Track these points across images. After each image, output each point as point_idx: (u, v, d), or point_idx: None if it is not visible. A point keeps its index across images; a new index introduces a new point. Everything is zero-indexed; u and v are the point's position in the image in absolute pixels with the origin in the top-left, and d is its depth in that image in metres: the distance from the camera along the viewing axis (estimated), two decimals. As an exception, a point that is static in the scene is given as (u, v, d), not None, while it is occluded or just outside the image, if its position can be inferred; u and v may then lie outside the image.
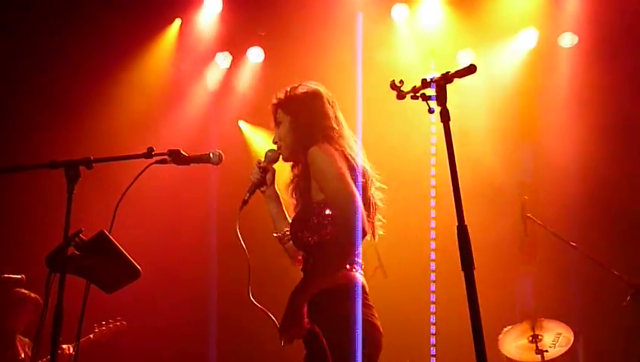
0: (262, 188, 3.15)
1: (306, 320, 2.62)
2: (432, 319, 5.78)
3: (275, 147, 3.10)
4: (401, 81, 2.55)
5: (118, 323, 5.61)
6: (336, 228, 2.74)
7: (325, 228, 2.78)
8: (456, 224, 2.28)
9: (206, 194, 6.78)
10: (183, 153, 2.97)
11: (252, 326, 6.02)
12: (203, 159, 3.02)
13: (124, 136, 6.41)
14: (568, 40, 6.60)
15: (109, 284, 2.83)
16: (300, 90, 3.09)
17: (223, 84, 7.19)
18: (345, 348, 2.61)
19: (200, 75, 7.14)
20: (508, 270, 6.19)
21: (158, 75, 6.98)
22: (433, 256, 5.83)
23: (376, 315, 2.79)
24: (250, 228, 3.01)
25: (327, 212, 2.79)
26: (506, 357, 5.36)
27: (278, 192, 3.18)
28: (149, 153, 2.89)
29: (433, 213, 5.78)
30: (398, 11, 6.71)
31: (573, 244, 5.27)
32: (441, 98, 2.39)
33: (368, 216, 2.91)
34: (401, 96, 2.53)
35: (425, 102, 2.45)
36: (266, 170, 3.13)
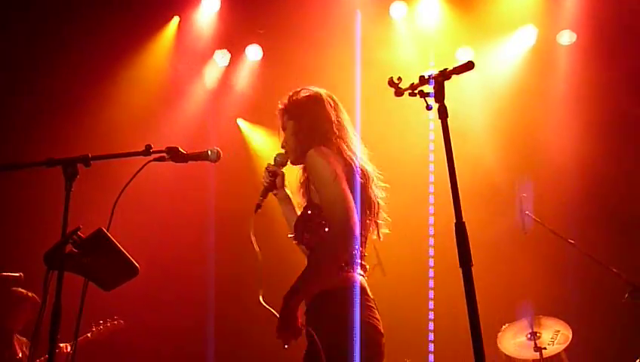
0: (274, 192, 3.21)
1: (301, 321, 2.63)
2: (431, 316, 5.79)
3: (283, 151, 3.16)
4: (399, 78, 2.55)
5: (115, 322, 5.61)
6: (328, 230, 2.76)
7: (323, 230, 2.80)
8: (454, 221, 2.28)
9: (204, 192, 6.77)
10: (181, 150, 2.96)
11: (250, 324, 6.04)
12: (201, 156, 3.01)
13: (123, 134, 6.41)
14: (567, 37, 6.60)
15: (107, 282, 2.83)
16: (302, 94, 3.12)
17: (222, 82, 7.19)
18: (341, 350, 2.61)
19: (198, 72, 7.14)
20: (506, 267, 6.20)
21: (157, 73, 6.97)
22: (432, 253, 5.84)
23: (378, 317, 2.79)
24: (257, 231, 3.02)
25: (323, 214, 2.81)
26: (505, 354, 5.37)
27: (290, 195, 3.23)
28: (147, 151, 2.88)
29: (432, 210, 5.79)
30: (397, 9, 6.71)
31: (572, 242, 5.27)
32: (439, 95, 2.39)
33: (370, 215, 2.93)
34: (399, 93, 2.53)
35: (423, 99, 2.45)
36: (275, 173, 3.19)
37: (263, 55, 7.08)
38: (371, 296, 2.84)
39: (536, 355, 5.12)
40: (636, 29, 6.21)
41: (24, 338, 5.46)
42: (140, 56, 6.86)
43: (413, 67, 6.57)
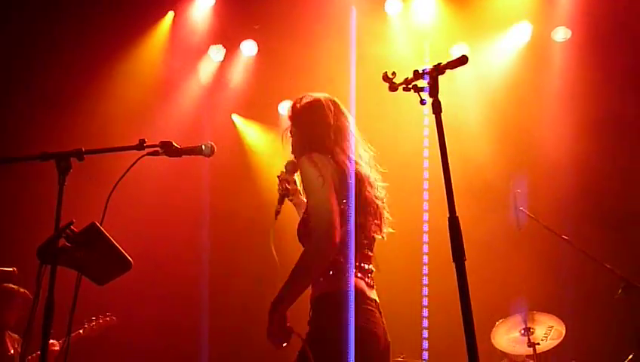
0: (289, 198, 3.26)
1: (289, 324, 2.65)
2: (425, 312, 5.80)
3: (293, 158, 3.19)
4: (394, 73, 2.54)
5: (107, 319, 5.56)
6: (310, 238, 2.77)
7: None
8: (448, 215, 2.28)
9: (198, 187, 6.77)
10: (175, 145, 2.96)
11: (243, 322, 6.04)
12: (195, 151, 3.01)
13: (118, 129, 6.39)
14: (562, 34, 6.60)
15: (100, 276, 2.82)
16: (303, 101, 3.14)
17: (216, 77, 7.18)
18: (329, 353, 2.63)
19: (193, 68, 7.13)
20: (500, 263, 6.22)
21: (152, 68, 6.96)
22: (426, 249, 5.84)
23: (376, 320, 2.78)
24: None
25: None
26: (499, 350, 5.39)
27: (305, 200, 3.22)
28: (141, 145, 2.87)
29: (426, 206, 5.80)
30: (392, 5, 6.70)
31: (566, 238, 5.28)
32: (433, 90, 2.39)
33: (367, 217, 2.92)
34: (393, 88, 2.52)
35: (417, 94, 2.44)
36: (287, 181, 3.22)
37: (258, 50, 7.07)
38: (373, 299, 2.83)
39: (530, 351, 5.14)
40: (631, 26, 6.21)
41: (16, 335, 5.40)
42: (135, 51, 6.85)
43: (408, 63, 6.55)
